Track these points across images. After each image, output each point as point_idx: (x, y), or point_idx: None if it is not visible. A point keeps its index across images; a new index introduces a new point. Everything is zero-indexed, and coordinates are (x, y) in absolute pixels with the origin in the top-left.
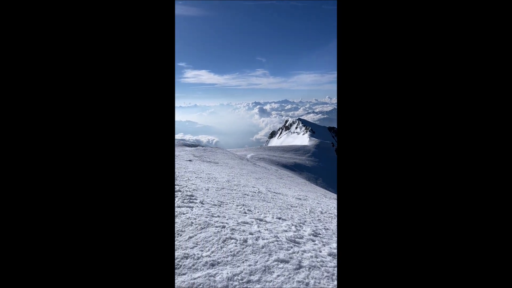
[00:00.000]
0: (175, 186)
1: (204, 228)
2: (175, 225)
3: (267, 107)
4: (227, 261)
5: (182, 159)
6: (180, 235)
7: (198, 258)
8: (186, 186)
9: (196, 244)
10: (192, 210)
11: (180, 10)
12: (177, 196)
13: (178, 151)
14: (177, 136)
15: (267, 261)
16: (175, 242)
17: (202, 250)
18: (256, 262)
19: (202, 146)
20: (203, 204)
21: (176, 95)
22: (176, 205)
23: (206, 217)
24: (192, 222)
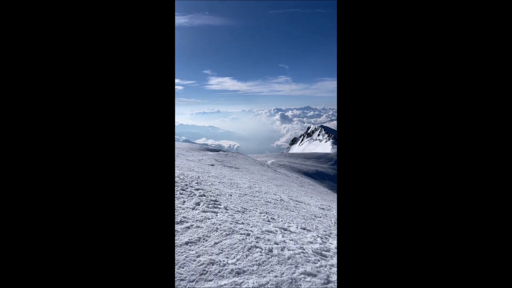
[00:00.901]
0: (200, 191)
1: (229, 234)
2: (201, 230)
3: (289, 113)
4: (253, 270)
5: (204, 163)
6: (206, 240)
7: (224, 265)
8: (210, 191)
9: (222, 250)
10: (217, 215)
11: (206, 20)
12: (202, 201)
13: (201, 156)
14: (200, 140)
15: (293, 273)
16: (201, 248)
17: (227, 257)
18: (283, 273)
19: (224, 151)
20: (227, 210)
21: (200, 101)
22: (201, 209)
23: (231, 224)
24: (217, 228)
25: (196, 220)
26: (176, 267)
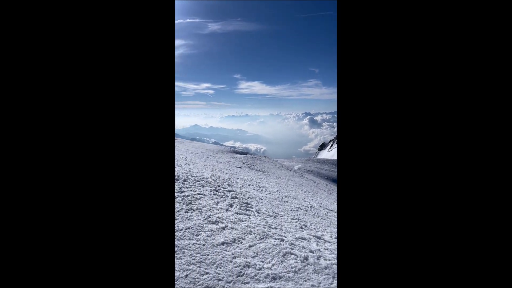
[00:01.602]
0: (232, 192)
1: (263, 238)
2: (235, 232)
3: (318, 118)
4: (289, 277)
5: (232, 165)
6: (241, 242)
7: (260, 269)
8: (241, 193)
9: (257, 254)
10: (249, 218)
11: (238, 26)
12: (235, 203)
13: (229, 158)
14: (228, 143)
15: (331, 284)
16: (236, 249)
17: (263, 261)
18: (320, 283)
19: (251, 154)
20: (259, 213)
21: (229, 105)
22: (234, 211)
23: (264, 228)
24: (251, 231)
25: (230, 222)
26: (213, 266)
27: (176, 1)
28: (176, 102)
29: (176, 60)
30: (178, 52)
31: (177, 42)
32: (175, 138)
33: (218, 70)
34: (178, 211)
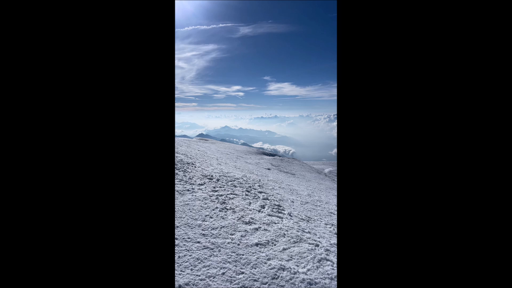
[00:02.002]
0: (263, 194)
1: (297, 242)
2: (269, 234)
3: None
4: (325, 283)
5: (261, 166)
6: (275, 245)
7: (295, 273)
8: (272, 195)
9: (291, 257)
10: (282, 221)
11: (269, 28)
12: (266, 204)
13: (258, 159)
14: (257, 144)
15: None
16: (270, 251)
17: (297, 265)
18: None
19: (279, 156)
20: (291, 216)
21: (258, 106)
22: (267, 213)
23: (298, 231)
24: (284, 234)
25: (263, 223)
26: (248, 266)
27: (209, 7)
28: (208, 104)
29: (208, 64)
30: (210, 56)
31: (210, 46)
32: (207, 139)
33: (248, 72)
34: (213, 210)
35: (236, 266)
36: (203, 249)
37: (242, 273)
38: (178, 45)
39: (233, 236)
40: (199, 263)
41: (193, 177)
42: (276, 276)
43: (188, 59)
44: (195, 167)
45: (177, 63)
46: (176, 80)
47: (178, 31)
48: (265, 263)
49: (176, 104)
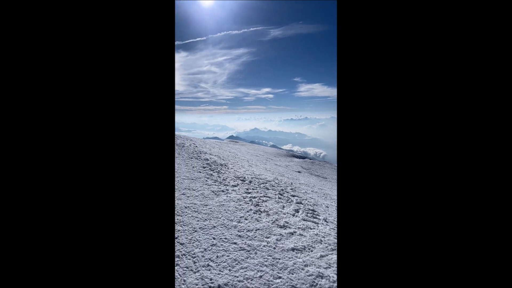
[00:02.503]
0: (296, 198)
1: (335, 250)
2: (305, 239)
3: None
4: None
5: (291, 169)
6: (311, 251)
7: (334, 282)
8: (306, 199)
9: (329, 265)
10: (318, 226)
11: (299, 29)
12: (300, 208)
13: (287, 162)
14: (286, 146)
15: None
16: (307, 257)
17: (336, 274)
18: None
19: (310, 159)
20: (327, 222)
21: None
22: (301, 217)
23: (335, 238)
24: (321, 240)
25: (298, 228)
26: (285, 271)
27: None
28: (238, 107)
29: (238, 68)
30: (240, 60)
31: (240, 50)
32: (237, 140)
33: (278, 74)
34: (248, 212)
35: (273, 270)
36: (239, 250)
37: (280, 277)
38: (210, 50)
39: (269, 240)
40: (237, 264)
41: (226, 178)
42: (315, 284)
43: (220, 63)
44: (228, 168)
45: (210, 68)
46: (208, 85)
47: (211, 37)
48: (303, 269)
49: (208, 107)
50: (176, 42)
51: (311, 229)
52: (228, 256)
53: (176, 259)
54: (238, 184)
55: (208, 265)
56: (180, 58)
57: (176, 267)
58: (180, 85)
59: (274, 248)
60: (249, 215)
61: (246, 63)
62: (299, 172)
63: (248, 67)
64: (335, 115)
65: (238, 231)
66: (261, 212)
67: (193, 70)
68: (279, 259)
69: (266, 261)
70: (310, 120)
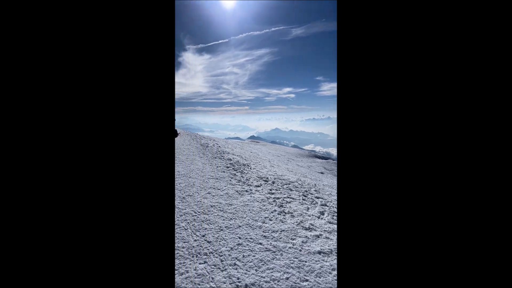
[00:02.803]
0: (320, 199)
1: None
2: (332, 243)
3: None
4: None
5: (314, 170)
6: None
7: None
8: (330, 201)
9: None
10: None
11: (322, 27)
12: (326, 211)
13: (310, 162)
14: (308, 147)
15: None
16: (335, 261)
17: (337, 273)
18: None
19: (333, 160)
20: None
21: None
22: (326, 220)
23: None
24: None
25: (324, 231)
26: (312, 275)
27: (261, 12)
28: (259, 107)
29: (259, 68)
30: (262, 60)
31: (261, 51)
32: (258, 141)
33: (299, 73)
34: (272, 212)
35: (300, 273)
36: (265, 251)
37: (306, 280)
38: (232, 52)
39: (294, 241)
40: (263, 264)
41: (249, 178)
42: None
43: (241, 64)
44: (250, 168)
45: (232, 69)
46: (230, 86)
47: (233, 38)
48: (330, 273)
49: (229, 108)
50: (200, 45)
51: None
52: (254, 256)
53: (204, 256)
54: (261, 185)
55: (235, 264)
56: (203, 60)
57: (204, 265)
58: (203, 86)
59: (300, 251)
60: (274, 216)
61: (267, 63)
62: (322, 173)
63: (269, 67)
64: None
65: (263, 231)
66: (286, 213)
67: (216, 71)
68: (306, 261)
69: (292, 263)
70: (333, 119)
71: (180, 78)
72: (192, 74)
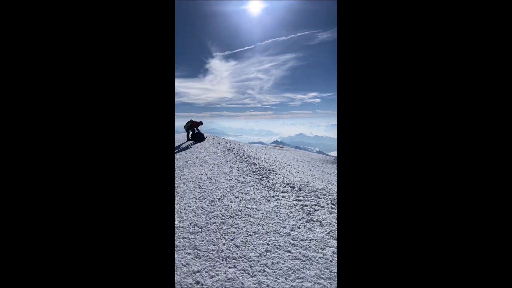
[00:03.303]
0: None
1: None
2: None
3: None
4: None
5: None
6: None
7: None
8: None
9: None
10: None
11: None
12: None
13: (335, 169)
14: (333, 153)
15: None
16: None
17: (337, 273)
18: None
19: None
20: None
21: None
22: None
23: None
24: None
25: None
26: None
27: (287, 18)
28: (283, 112)
29: (284, 73)
30: (287, 66)
31: (287, 56)
32: (282, 146)
33: (326, 78)
34: (300, 220)
35: (331, 284)
36: (294, 259)
37: None
38: (257, 58)
39: (324, 251)
40: (293, 273)
41: (275, 184)
42: None
43: (266, 70)
44: (276, 174)
45: (256, 75)
46: (254, 91)
47: (258, 45)
48: None
49: (254, 112)
50: (226, 52)
51: None
52: (283, 264)
53: (233, 261)
54: (287, 191)
55: (264, 270)
56: (229, 67)
57: (233, 269)
58: (228, 92)
59: (331, 261)
60: (302, 223)
61: (292, 68)
62: None
63: (294, 72)
64: None
65: (292, 239)
66: (314, 221)
67: (241, 77)
68: (336, 272)
69: (323, 273)
70: None
71: (207, 84)
72: (218, 80)
